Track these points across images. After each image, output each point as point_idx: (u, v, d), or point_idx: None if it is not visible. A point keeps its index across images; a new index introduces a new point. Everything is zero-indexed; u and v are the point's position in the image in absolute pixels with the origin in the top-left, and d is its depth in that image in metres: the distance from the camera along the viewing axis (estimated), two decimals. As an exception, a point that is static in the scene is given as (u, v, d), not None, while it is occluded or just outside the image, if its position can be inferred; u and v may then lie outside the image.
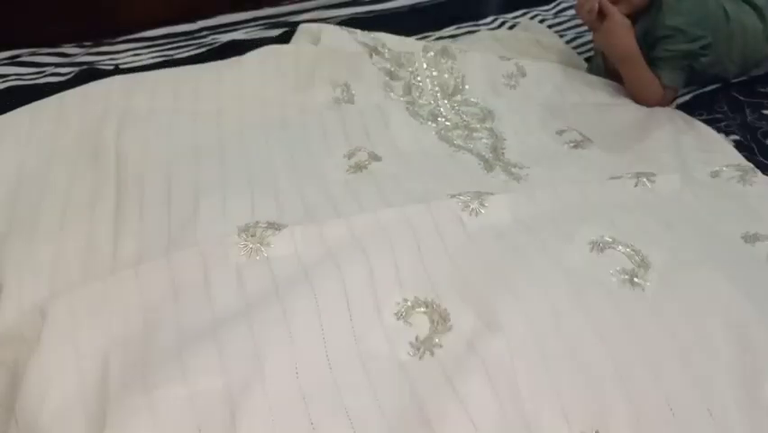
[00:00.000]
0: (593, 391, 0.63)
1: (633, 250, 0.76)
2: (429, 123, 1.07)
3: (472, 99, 1.14)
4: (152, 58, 1.37)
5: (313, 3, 1.60)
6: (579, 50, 1.41)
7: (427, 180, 0.89)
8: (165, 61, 1.36)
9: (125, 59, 1.36)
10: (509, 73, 1.19)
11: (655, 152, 1.03)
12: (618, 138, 1.08)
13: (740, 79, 1.24)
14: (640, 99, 1.18)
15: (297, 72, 1.08)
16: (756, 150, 1.03)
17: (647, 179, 0.91)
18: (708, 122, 1.11)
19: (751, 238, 0.84)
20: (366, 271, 0.71)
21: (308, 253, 0.73)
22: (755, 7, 1.23)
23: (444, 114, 1.09)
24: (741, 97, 1.17)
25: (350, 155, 0.95)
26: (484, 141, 1.03)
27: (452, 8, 1.59)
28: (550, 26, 1.51)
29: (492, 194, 0.83)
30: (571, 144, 1.05)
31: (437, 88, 1.13)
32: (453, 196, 0.82)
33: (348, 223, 0.77)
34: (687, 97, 1.23)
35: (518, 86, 1.18)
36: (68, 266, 0.76)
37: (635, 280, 0.73)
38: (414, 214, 0.79)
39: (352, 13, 1.57)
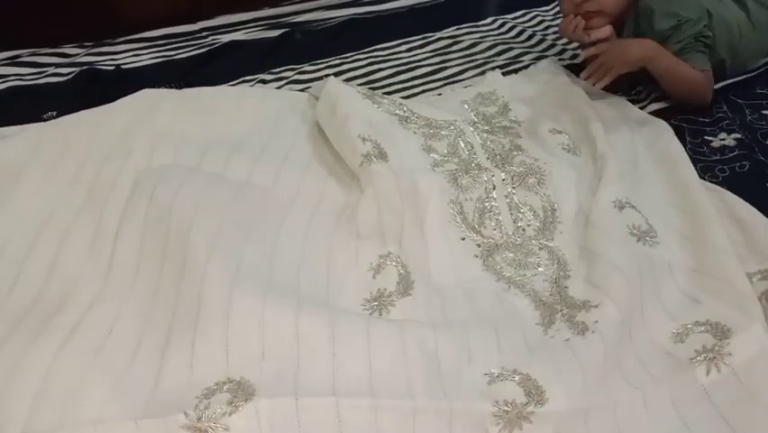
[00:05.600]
0: None
1: None
2: (473, 235, 0.89)
3: (527, 160, 1.01)
4: (153, 58, 1.38)
5: (313, 3, 1.61)
6: (577, 51, 1.41)
7: (466, 341, 0.72)
8: (165, 62, 1.36)
9: (126, 60, 1.36)
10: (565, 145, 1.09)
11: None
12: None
13: (738, 80, 1.25)
14: (693, 91, 1.14)
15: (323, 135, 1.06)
16: (756, 149, 1.03)
17: None
18: (708, 123, 1.11)
19: None
20: None
21: None
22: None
23: (497, 203, 0.94)
24: (739, 100, 1.18)
25: (377, 269, 0.82)
26: (541, 269, 0.85)
27: (452, 8, 1.60)
28: (548, 27, 1.52)
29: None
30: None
31: (486, 154, 1.03)
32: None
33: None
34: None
35: (573, 151, 1.07)
36: None
37: None
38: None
39: (351, 14, 1.58)
